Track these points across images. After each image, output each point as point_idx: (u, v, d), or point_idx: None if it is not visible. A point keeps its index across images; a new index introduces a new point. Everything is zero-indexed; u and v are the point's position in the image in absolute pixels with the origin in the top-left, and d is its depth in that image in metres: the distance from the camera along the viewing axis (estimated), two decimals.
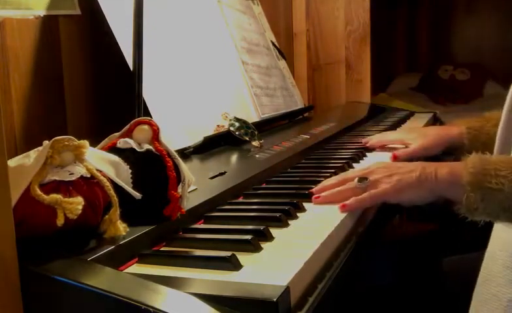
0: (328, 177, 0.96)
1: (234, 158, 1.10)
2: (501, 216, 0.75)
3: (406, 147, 1.20)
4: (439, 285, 0.99)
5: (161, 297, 0.50)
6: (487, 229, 0.80)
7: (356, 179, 0.84)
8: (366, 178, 0.84)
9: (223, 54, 1.37)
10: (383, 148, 1.24)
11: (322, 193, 0.83)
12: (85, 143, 0.62)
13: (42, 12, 0.96)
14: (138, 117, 0.91)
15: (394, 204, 0.85)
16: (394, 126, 1.58)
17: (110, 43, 1.02)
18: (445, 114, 2.09)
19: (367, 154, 1.20)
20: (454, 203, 0.80)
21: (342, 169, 1.04)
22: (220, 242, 0.67)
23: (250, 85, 1.41)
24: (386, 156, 1.16)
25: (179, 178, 0.69)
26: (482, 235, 0.82)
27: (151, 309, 0.47)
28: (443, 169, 0.82)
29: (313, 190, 0.86)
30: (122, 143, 0.69)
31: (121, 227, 0.62)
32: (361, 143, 1.29)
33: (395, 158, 1.12)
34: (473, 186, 0.76)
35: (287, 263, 0.59)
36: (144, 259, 0.62)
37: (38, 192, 0.57)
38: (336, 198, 0.82)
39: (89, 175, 0.61)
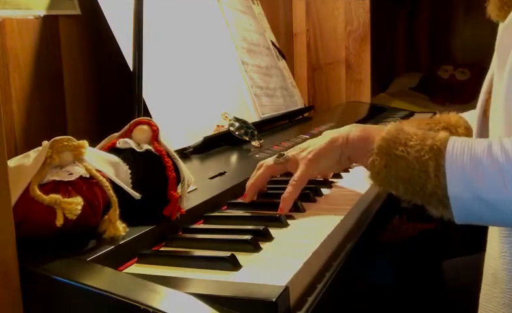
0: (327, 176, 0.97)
1: (234, 158, 1.10)
2: (400, 187, 0.73)
3: None
4: (439, 285, 0.99)
5: (160, 296, 0.50)
6: (487, 230, 0.80)
7: (274, 158, 0.87)
8: (283, 155, 0.87)
9: (223, 54, 1.37)
10: None
11: (247, 190, 0.84)
12: (85, 143, 0.62)
13: (42, 12, 0.96)
14: (138, 117, 0.91)
15: (394, 204, 0.85)
16: None
17: (109, 43, 1.02)
18: None
19: None
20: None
21: None
22: (219, 242, 0.67)
23: (250, 85, 1.41)
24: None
25: (178, 178, 0.69)
26: (482, 236, 0.82)
27: (150, 309, 0.47)
28: (356, 132, 0.81)
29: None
30: (121, 143, 0.69)
31: (121, 227, 0.62)
32: None
33: None
34: (380, 151, 0.73)
35: (287, 263, 0.59)
36: (143, 259, 0.62)
37: (38, 192, 0.57)
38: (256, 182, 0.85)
39: (88, 175, 0.61)
